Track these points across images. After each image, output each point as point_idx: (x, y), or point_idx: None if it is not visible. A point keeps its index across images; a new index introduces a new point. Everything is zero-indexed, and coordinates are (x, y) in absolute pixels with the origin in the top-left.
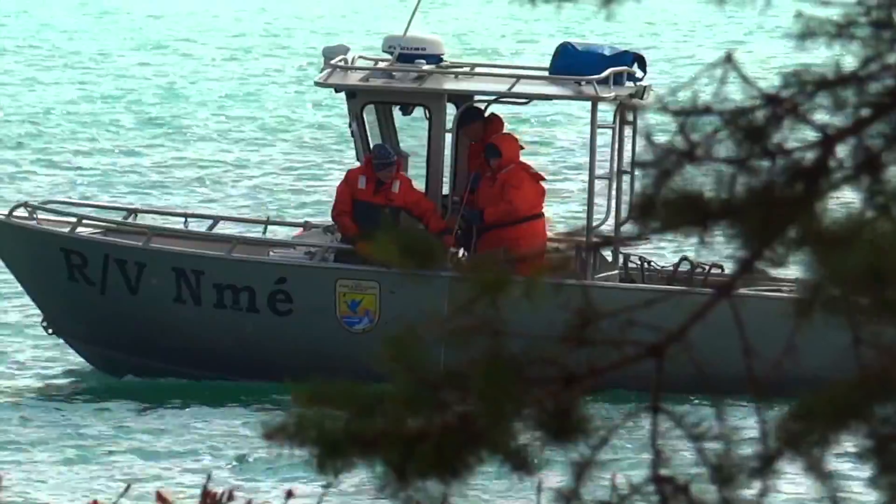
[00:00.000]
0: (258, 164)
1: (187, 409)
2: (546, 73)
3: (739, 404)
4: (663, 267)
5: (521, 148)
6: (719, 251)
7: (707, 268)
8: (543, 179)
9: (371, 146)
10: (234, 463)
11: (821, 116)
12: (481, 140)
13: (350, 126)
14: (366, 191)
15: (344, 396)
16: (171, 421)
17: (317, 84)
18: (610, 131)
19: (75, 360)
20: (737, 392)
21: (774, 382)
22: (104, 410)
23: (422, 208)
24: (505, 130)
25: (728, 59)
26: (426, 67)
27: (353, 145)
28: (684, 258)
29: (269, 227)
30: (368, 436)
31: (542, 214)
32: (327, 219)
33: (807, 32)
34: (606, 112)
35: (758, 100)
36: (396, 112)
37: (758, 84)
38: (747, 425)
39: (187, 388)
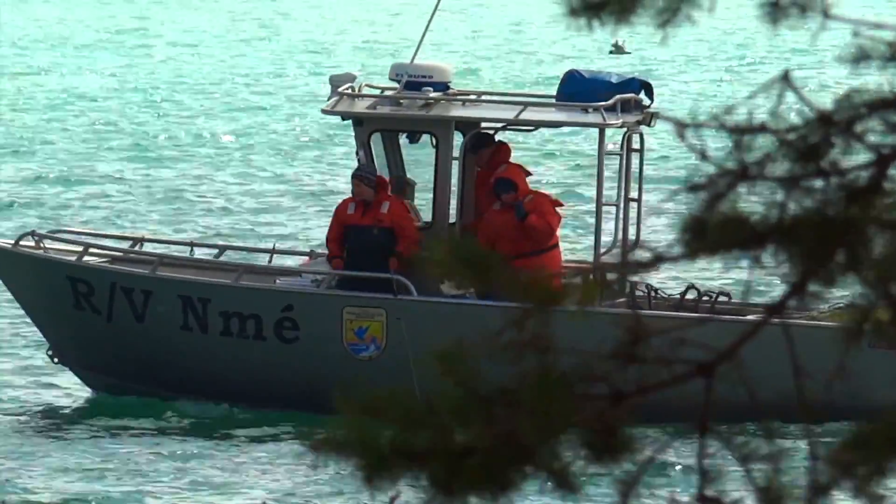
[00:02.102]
0: (263, 192)
1: (206, 436)
2: (553, 101)
3: (786, 428)
4: (670, 295)
5: (529, 174)
6: (771, 272)
7: (714, 296)
8: (561, 205)
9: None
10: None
11: (875, 138)
12: (487, 167)
13: (357, 154)
14: (354, 215)
15: (392, 408)
16: (193, 448)
17: (324, 112)
18: (617, 158)
19: (81, 388)
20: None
21: (823, 406)
22: (120, 439)
23: (405, 232)
24: (511, 159)
25: (784, 77)
26: (433, 95)
27: None
28: (691, 286)
29: (275, 256)
30: (415, 449)
31: (558, 245)
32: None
33: (861, 55)
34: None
35: (812, 119)
36: (403, 140)
37: (814, 103)
38: (796, 449)
39: (197, 415)
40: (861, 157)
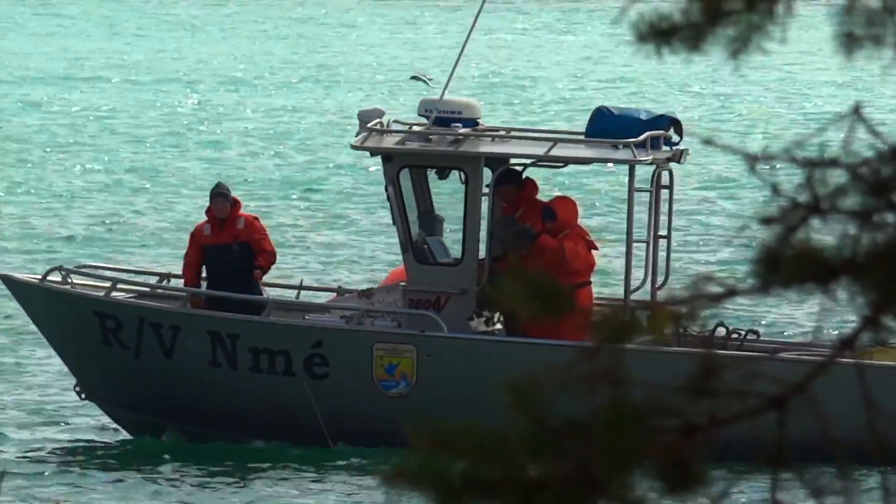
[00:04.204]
0: (289, 228)
1: (234, 472)
2: (582, 137)
3: (859, 465)
4: (699, 332)
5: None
6: (844, 307)
7: (743, 333)
8: (597, 248)
9: (406, 209)
10: None
11: None
12: (514, 203)
13: (386, 190)
14: (211, 235)
15: (465, 441)
16: (220, 485)
17: (353, 147)
18: (647, 195)
19: (109, 425)
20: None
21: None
22: (147, 476)
23: (263, 246)
24: (563, 194)
25: (856, 111)
26: (462, 131)
27: (388, 208)
28: (720, 323)
29: (303, 292)
30: (488, 482)
31: (589, 283)
32: (361, 283)
33: None
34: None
35: (884, 153)
36: (431, 175)
37: (886, 136)
38: (869, 484)
39: (227, 452)
40: None
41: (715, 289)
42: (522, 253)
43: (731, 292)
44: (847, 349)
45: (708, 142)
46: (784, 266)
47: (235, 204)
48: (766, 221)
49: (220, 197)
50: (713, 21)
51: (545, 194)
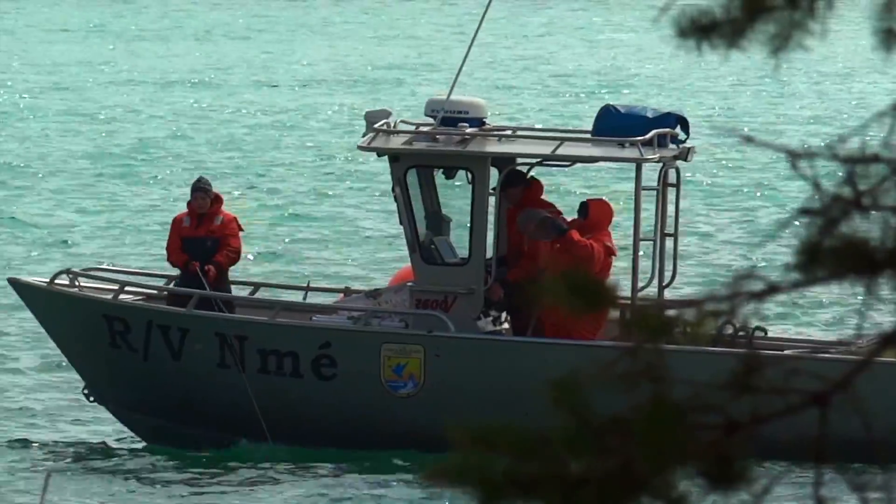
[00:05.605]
0: (296, 228)
1: (243, 474)
2: (589, 136)
3: None
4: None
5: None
6: (886, 300)
7: (751, 331)
8: (615, 255)
9: (413, 210)
10: None
11: None
12: (519, 204)
13: (393, 190)
14: (189, 227)
15: (506, 439)
16: (228, 486)
17: (360, 148)
18: (654, 193)
19: (118, 428)
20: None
21: None
22: (156, 477)
23: (228, 243)
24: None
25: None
26: (469, 130)
27: (395, 209)
28: (728, 321)
29: (310, 292)
30: (530, 479)
31: None
32: (367, 284)
33: None
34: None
35: None
36: (438, 175)
37: None
38: None
39: (236, 455)
40: None
41: (756, 285)
42: (546, 240)
43: (773, 289)
44: (889, 345)
45: (748, 139)
46: (825, 259)
47: (217, 200)
48: (807, 213)
49: (201, 192)
50: (754, 17)
51: (570, 193)
